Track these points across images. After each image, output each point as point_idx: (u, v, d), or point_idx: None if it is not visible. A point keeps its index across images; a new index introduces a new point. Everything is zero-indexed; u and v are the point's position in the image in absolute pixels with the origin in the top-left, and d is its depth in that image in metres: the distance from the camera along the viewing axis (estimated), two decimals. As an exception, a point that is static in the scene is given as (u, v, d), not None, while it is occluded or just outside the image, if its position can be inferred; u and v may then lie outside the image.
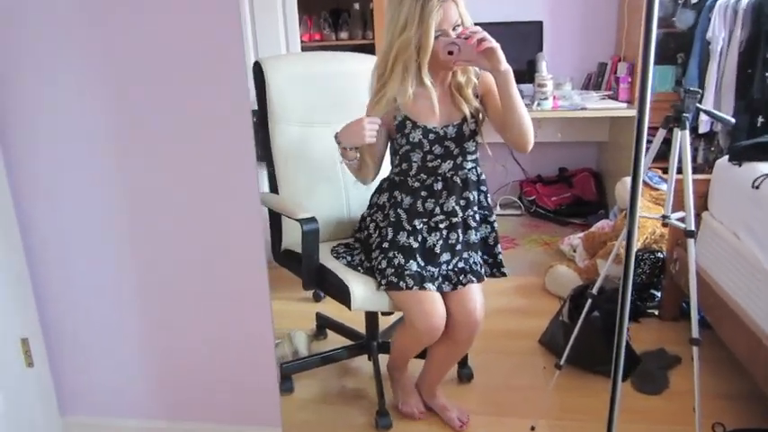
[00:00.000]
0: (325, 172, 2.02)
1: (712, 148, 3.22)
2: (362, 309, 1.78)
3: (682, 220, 1.54)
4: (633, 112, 2.48)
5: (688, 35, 3.16)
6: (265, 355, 1.67)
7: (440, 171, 1.71)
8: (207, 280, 1.63)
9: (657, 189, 2.86)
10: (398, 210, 1.73)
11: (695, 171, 3.19)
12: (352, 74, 2.10)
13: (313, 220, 1.74)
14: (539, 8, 3.59)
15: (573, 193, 3.75)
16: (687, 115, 1.45)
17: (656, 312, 2.53)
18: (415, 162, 1.71)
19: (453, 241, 1.73)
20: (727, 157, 2.07)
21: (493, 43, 1.48)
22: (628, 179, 3.03)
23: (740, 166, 2.01)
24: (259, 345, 1.66)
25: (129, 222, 1.61)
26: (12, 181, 1.59)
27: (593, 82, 3.64)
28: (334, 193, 2.03)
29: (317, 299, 2.57)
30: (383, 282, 1.67)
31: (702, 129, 3.08)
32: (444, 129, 1.69)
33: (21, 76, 1.51)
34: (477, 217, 1.76)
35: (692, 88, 1.46)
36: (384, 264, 1.69)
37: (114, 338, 1.72)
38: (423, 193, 1.72)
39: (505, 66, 1.52)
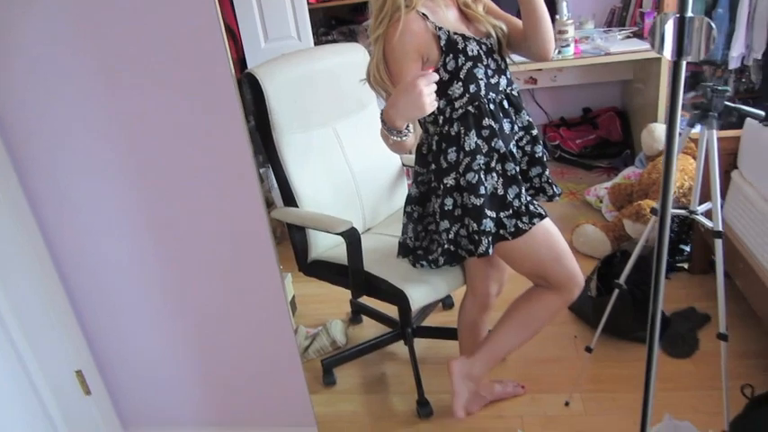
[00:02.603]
0: (336, 174, 2.02)
1: (743, 79, 3.10)
2: (421, 305, 1.79)
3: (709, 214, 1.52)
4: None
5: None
6: (292, 362, 1.79)
7: (500, 88, 1.54)
8: (229, 292, 1.73)
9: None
10: (500, 139, 1.52)
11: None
12: (344, 65, 2.07)
13: (354, 229, 1.75)
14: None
15: (598, 135, 3.67)
16: (714, 114, 1.40)
17: (686, 266, 2.54)
18: (481, 79, 1.49)
19: (540, 154, 1.64)
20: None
21: None
22: (654, 126, 2.99)
23: (771, 127, 1.94)
24: (284, 352, 1.78)
25: (157, 249, 1.69)
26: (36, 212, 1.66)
27: (616, 17, 3.46)
28: (349, 193, 2.05)
29: (356, 321, 2.49)
30: (532, 221, 1.57)
31: (733, 65, 2.94)
32: (488, 40, 1.52)
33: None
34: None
35: (718, 87, 1.40)
36: (523, 200, 1.57)
37: (159, 357, 1.86)
38: (500, 114, 1.54)
39: None
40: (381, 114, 1.46)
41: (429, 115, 1.51)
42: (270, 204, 2.69)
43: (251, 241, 1.64)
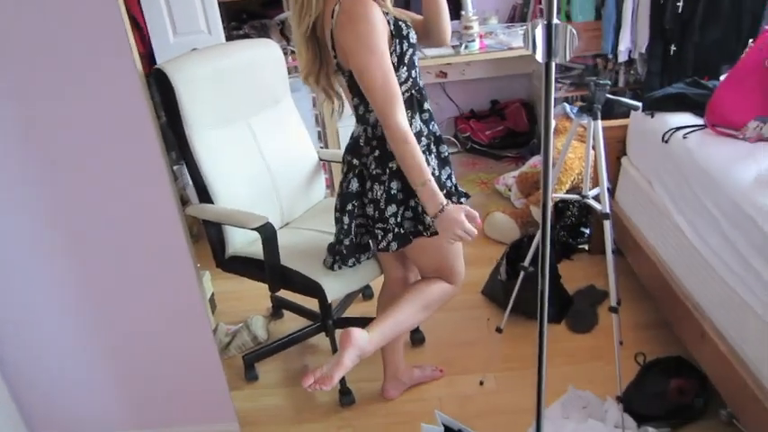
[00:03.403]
0: (251, 169, 2.02)
1: (632, 72, 3.35)
2: (338, 297, 1.84)
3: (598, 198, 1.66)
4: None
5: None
6: (210, 359, 1.79)
7: (419, 78, 1.63)
8: (143, 293, 1.71)
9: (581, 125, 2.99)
10: (433, 124, 1.62)
11: (617, 94, 3.32)
12: (257, 61, 2.08)
13: (269, 224, 1.76)
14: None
15: (506, 126, 3.85)
16: (598, 106, 1.53)
17: (587, 248, 2.73)
18: (417, 66, 1.58)
19: (445, 154, 1.68)
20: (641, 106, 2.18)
21: None
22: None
23: (652, 117, 2.13)
24: (201, 349, 1.78)
25: (65, 245, 1.64)
26: None
27: (518, 13, 3.63)
28: (265, 189, 2.06)
29: (277, 316, 2.50)
30: (460, 200, 1.65)
31: (621, 58, 3.17)
32: None
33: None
34: None
35: (600, 81, 1.54)
36: (453, 180, 1.67)
37: (68, 361, 1.80)
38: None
39: None
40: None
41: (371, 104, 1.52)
42: (185, 202, 2.64)
43: (164, 240, 1.63)
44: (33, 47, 1.39)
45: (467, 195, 1.72)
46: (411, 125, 1.57)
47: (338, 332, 2.18)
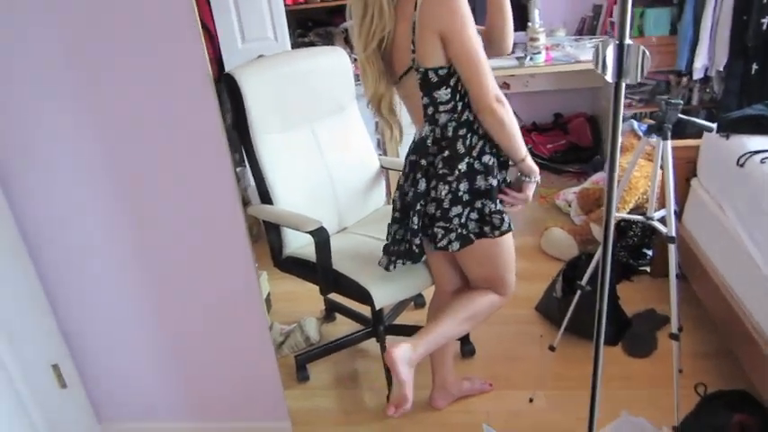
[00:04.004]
0: (312, 173, 2.07)
1: (707, 90, 3.22)
2: (386, 305, 1.87)
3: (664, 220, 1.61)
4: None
5: (683, -24, 3.07)
6: (267, 359, 1.84)
7: None
8: (204, 291, 1.77)
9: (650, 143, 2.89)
10: None
11: (690, 113, 3.21)
12: (323, 68, 2.13)
13: (322, 229, 1.80)
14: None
15: (568, 140, 3.78)
16: (669, 125, 1.48)
17: (648, 270, 2.64)
18: None
19: (504, 158, 1.66)
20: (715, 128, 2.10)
21: None
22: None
23: (728, 138, 2.04)
24: (258, 348, 1.83)
25: (134, 243, 1.72)
26: (15, 213, 1.68)
27: (587, 26, 3.56)
28: (325, 193, 2.09)
29: (330, 319, 2.55)
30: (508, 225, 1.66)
31: (697, 75, 3.06)
32: None
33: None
34: None
35: (672, 100, 1.49)
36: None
37: (135, 351, 1.90)
38: None
39: None
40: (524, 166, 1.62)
41: (445, 104, 1.56)
42: (246, 203, 2.72)
43: (227, 239, 1.68)
44: (109, 58, 1.48)
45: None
46: (478, 127, 1.59)
47: (388, 338, 2.21)
